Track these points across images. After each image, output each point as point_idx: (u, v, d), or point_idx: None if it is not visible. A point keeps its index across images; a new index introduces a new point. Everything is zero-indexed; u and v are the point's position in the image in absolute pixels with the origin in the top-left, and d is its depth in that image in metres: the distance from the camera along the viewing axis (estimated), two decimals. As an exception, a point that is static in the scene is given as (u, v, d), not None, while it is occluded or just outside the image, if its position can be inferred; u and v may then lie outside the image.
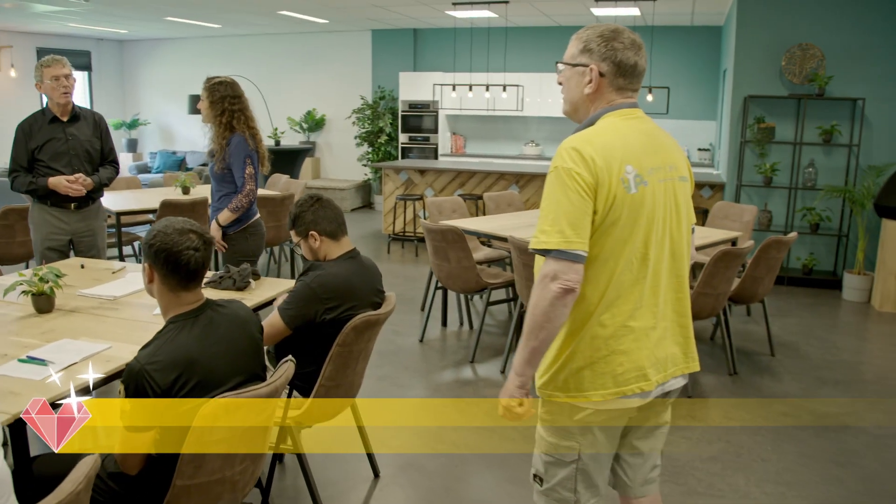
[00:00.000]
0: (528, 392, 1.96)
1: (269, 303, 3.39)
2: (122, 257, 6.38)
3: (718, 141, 10.13)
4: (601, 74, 1.97)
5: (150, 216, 6.49)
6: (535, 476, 2.12)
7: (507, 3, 8.72)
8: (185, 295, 2.20)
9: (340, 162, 13.01)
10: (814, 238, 7.57)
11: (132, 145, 14.09)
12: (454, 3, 9.04)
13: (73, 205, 4.48)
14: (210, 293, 3.49)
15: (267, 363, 3.10)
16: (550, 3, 8.94)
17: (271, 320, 2.89)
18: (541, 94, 11.10)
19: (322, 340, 2.86)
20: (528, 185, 8.92)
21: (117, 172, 4.71)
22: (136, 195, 7.23)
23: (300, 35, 12.83)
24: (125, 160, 13.98)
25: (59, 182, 4.30)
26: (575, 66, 2.01)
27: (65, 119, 4.41)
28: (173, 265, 2.16)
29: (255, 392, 2.10)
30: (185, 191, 7.26)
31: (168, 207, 6.14)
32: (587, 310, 1.93)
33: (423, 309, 6.24)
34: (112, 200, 6.72)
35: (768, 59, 7.41)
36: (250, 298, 3.42)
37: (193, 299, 2.22)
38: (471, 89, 10.03)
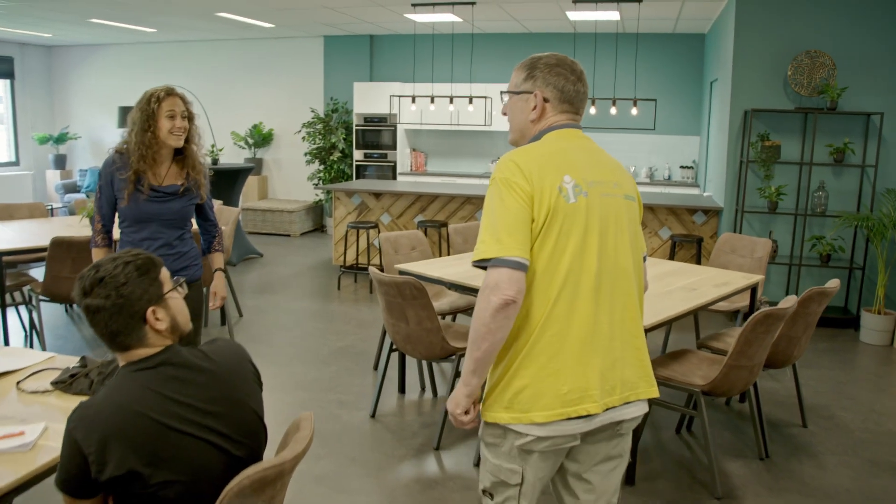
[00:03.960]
0: (477, 400, 1.97)
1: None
2: (3, 306, 5.20)
3: (705, 158, 9.24)
4: (545, 100, 2.02)
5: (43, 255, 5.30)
6: (483, 491, 2.06)
7: (473, 3, 7.72)
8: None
9: (290, 181, 11.86)
10: (823, 271, 6.66)
11: (60, 161, 12.77)
12: (413, 5, 8.01)
13: None
14: (52, 400, 2.40)
15: None
16: (522, 5, 7.96)
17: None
18: (510, 106, 10.11)
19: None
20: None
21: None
22: (33, 227, 6.03)
23: (245, 41, 11.69)
24: (52, 177, 12.68)
25: None
26: (520, 93, 2.05)
27: None
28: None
29: None
30: (94, 221, 6.08)
31: (60, 247, 4.98)
32: (531, 326, 1.87)
33: (375, 368, 5.16)
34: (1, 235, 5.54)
35: (772, 68, 6.51)
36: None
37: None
38: (433, 101, 8.98)
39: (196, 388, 1.79)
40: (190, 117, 3.29)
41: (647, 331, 3.32)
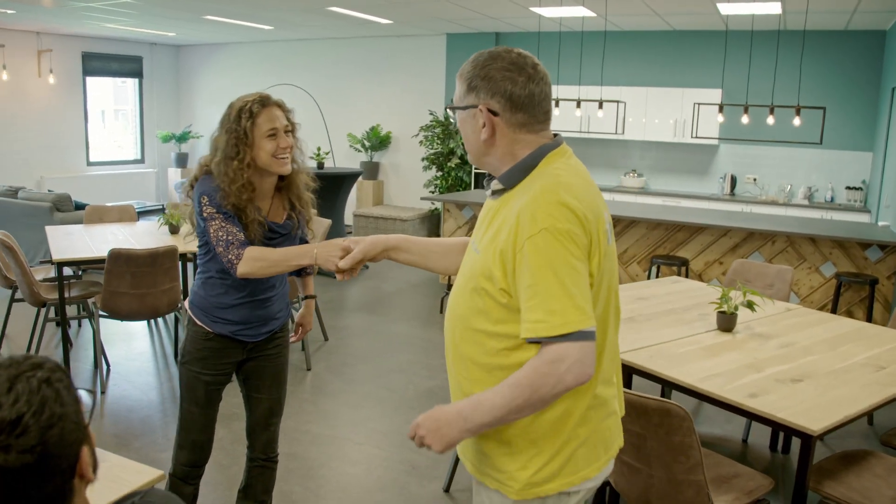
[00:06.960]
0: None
1: None
2: (65, 325, 4.75)
3: (879, 179, 7.81)
4: (493, 113, 1.64)
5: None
6: None
7: (607, -5, 6.75)
8: None
9: (407, 187, 11.24)
10: None
11: (182, 160, 12.74)
12: (539, -3, 7.14)
13: None
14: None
15: None
16: (664, -3, 6.92)
17: None
18: (646, 113, 9.04)
19: None
20: (628, 229, 6.89)
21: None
22: (113, 232, 5.61)
23: (364, 40, 11.17)
24: (173, 175, 12.67)
25: None
26: (464, 108, 1.69)
27: None
28: None
29: None
30: (173, 230, 5.61)
31: (117, 261, 4.47)
32: (588, 384, 1.60)
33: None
34: (68, 242, 5.13)
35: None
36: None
37: None
38: (557, 105, 8.05)
39: None
40: (292, 130, 2.50)
41: (821, 436, 2.41)
